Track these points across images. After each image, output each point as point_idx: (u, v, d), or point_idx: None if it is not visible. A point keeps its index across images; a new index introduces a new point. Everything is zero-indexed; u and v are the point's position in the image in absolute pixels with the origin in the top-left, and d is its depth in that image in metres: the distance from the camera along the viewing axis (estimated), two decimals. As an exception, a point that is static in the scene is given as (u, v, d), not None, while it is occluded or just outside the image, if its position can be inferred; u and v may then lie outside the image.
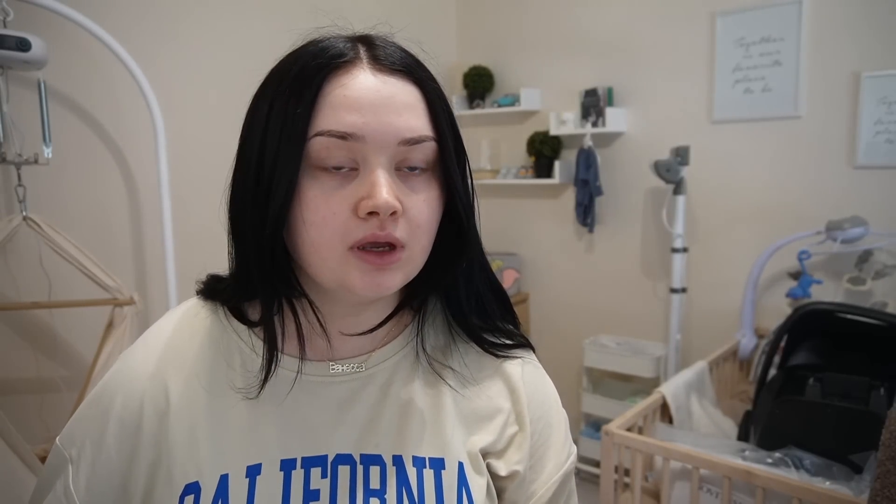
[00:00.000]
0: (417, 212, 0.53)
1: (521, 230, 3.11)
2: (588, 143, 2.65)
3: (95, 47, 1.75)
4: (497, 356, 0.65)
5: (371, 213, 0.51)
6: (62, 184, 1.87)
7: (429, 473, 0.58)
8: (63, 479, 0.57)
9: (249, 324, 0.60)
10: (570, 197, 2.87)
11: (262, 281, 0.55)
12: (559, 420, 0.67)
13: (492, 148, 3.09)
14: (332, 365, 0.60)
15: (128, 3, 1.96)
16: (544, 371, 0.69)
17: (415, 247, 0.54)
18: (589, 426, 2.73)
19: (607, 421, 1.68)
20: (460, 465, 0.60)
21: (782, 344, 1.85)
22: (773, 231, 2.32)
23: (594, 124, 2.63)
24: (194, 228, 2.19)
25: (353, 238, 0.51)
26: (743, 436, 1.83)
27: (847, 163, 2.18)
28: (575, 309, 2.96)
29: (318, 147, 0.51)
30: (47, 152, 1.67)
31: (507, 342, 0.65)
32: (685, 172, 2.37)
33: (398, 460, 0.58)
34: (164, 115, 1.80)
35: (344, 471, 0.57)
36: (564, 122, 2.73)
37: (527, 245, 3.10)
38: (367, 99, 0.51)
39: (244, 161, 0.55)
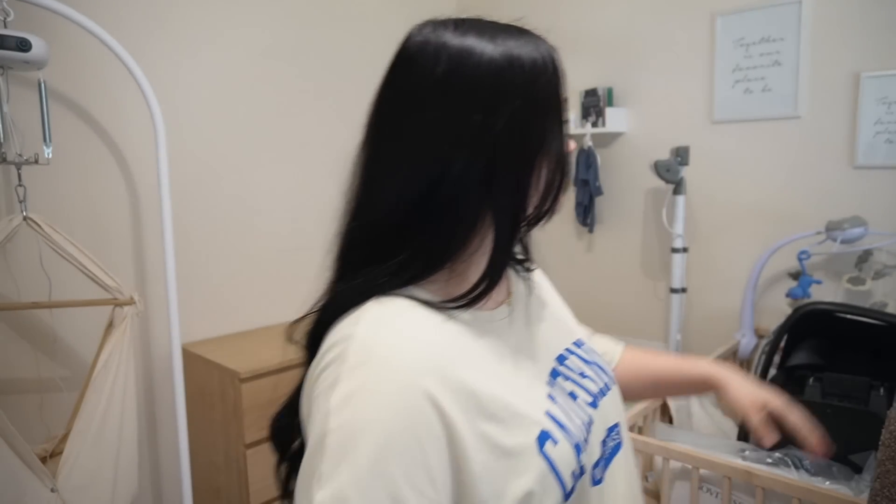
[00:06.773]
0: None
1: (521, 230, 3.10)
2: (588, 143, 2.65)
3: (95, 47, 1.75)
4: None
5: None
6: (62, 184, 1.87)
7: (587, 347, 0.84)
8: None
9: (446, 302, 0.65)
10: (569, 197, 2.87)
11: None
12: None
13: (492, 148, 3.08)
14: (507, 305, 0.75)
15: (128, 2, 1.96)
16: None
17: None
18: (589, 426, 2.72)
19: (607, 421, 1.68)
20: (588, 339, 0.88)
21: (782, 344, 1.85)
22: (773, 231, 2.32)
23: (594, 124, 2.63)
24: (194, 228, 2.19)
25: None
26: (743, 436, 1.83)
27: (847, 163, 2.18)
28: (574, 309, 2.92)
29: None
30: (47, 152, 1.66)
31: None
32: (685, 172, 2.37)
33: (578, 343, 0.83)
34: (164, 114, 1.80)
35: (571, 359, 0.77)
36: (564, 122, 2.73)
37: (527, 245, 3.09)
38: None
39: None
